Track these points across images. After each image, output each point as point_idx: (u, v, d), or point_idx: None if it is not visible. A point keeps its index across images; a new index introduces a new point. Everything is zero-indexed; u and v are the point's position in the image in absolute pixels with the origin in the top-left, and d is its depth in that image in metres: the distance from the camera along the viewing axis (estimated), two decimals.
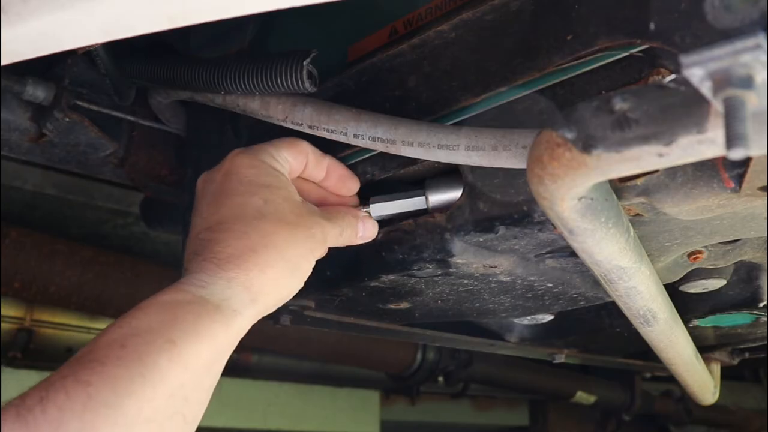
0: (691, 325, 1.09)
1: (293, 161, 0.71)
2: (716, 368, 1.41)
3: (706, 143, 0.42)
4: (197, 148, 0.98)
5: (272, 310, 0.66)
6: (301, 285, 0.68)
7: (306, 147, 0.73)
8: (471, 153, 0.64)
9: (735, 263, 0.92)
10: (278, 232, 0.65)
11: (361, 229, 0.75)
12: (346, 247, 0.75)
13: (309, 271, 0.68)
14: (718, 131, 0.41)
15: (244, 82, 0.74)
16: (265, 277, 0.64)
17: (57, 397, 0.49)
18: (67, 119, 0.92)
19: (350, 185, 0.77)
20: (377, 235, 0.78)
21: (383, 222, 0.79)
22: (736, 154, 0.36)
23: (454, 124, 0.70)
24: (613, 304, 0.80)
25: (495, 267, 0.77)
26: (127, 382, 0.52)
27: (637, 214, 0.66)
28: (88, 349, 0.54)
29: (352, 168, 0.81)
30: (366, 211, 0.77)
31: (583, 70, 0.62)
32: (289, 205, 0.67)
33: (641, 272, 0.68)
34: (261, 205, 0.65)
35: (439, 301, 0.90)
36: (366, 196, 0.78)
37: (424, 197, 0.75)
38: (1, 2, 0.50)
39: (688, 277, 0.93)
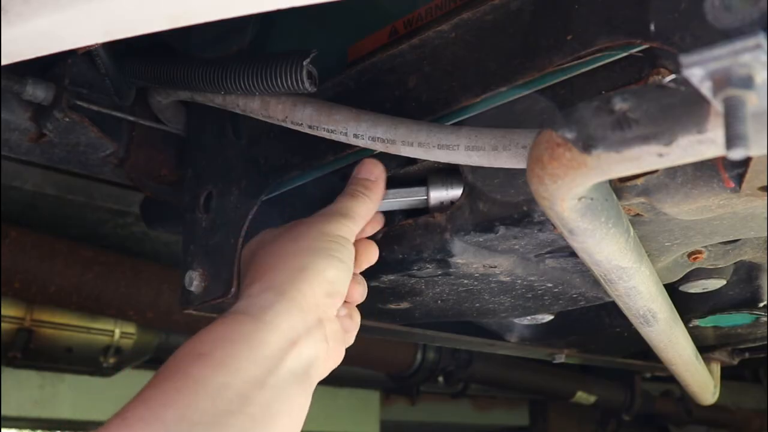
0: (691, 325, 1.09)
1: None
2: (716, 368, 1.41)
3: (706, 143, 0.42)
4: (197, 148, 0.98)
5: (304, 299, 0.65)
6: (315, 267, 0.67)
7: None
8: (471, 153, 0.64)
9: (735, 263, 0.92)
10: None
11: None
12: None
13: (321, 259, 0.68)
14: (718, 131, 0.41)
15: (244, 82, 0.74)
16: (277, 272, 0.66)
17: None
18: (67, 119, 0.92)
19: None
20: (377, 235, 0.78)
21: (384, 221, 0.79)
22: (736, 154, 0.36)
23: (454, 124, 0.70)
24: (613, 304, 0.80)
25: (495, 267, 0.77)
26: (161, 396, 0.54)
27: (637, 214, 0.66)
28: None
29: (352, 168, 0.81)
30: None
31: (583, 70, 0.62)
32: None
33: (641, 272, 0.68)
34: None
35: (439, 301, 0.90)
36: None
37: (424, 190, 0.75)
38: (2, 2, 0.50)
39: (688, 277, 0.93)
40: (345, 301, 0.72)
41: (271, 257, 0.69)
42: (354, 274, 0.72)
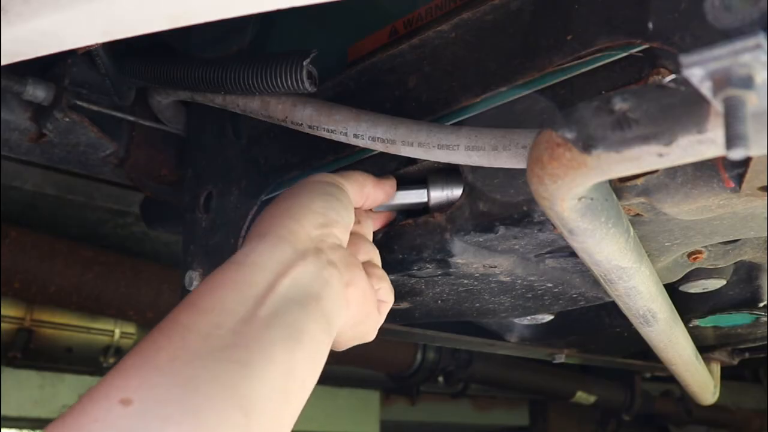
0: (691, 325, 1.09)
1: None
2: (716, 368, 1.41)
3: (706, 143, 0.42)
4: (197, 148, 0.98)
5: (291, 234, 0.62)
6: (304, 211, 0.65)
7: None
8: (471, 153, 0.64)
9: (735, 263, 0.92)
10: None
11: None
12: None
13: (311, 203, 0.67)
14: (718, 131, 0.41)
15: (244, 82, 0.74)
16: (266, 221, 0.65)
17: None
18: (67, 119, 0.92)
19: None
20: (377, 235, 0.78)
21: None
22: (736, 154, 0.36)
23: (454, 124, 0.70)
24: (613, 304, 0.80)
25: (495, 267, 0.77)
26: (152, 344, 0.53)
27: (637, 214, 0.66)
28: None
29: (352, 169, 0.81)
30: None
31: (583, 70, 0.62)
32: None
33: (641, 272, 0.68)
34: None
35: (439, 301, 0.90)
36: None
37: (425, 190, 0.75)
38: (2, 2, 0.50)
39: (688, 277, 0.93)
40: (365, 261, 0.70)
41: (259, 218, 0.67)
42: (364, 211, 0.72)
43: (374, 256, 0.72)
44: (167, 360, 0.51)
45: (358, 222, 0.72)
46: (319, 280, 0.61)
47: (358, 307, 0.66)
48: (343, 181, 0.70)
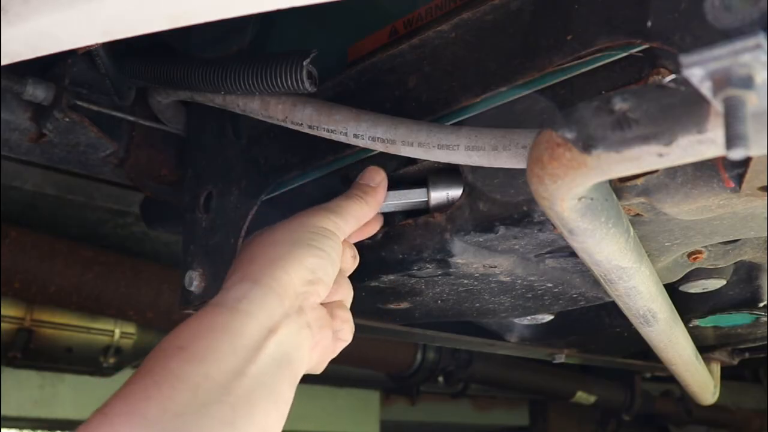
0: (691, 325, 1.09)
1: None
2: (716, 368, 1.41)
3: (706, 143, 0.42)
4: (197, 148, 0.98)
5: (280, 287, 0.64)
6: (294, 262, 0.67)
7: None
8: (471, 153, 0.64)
9: (735, 263, 0.92)
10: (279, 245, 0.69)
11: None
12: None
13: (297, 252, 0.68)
14: (718, 131, 0.41)
15: (244, 82, 0.74)
16: (253, 263, 0.66)
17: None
18: (67, 119, 0.92)
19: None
20: (377, 235, 0.78)
21: (383, 222, 0.79)
22: (736, 154, 0.36)
23: (454, 124, 0.70)
24: (613, 304, 0.80)
25: (495, 267, 0.77)
26: (141, 391, 0.54)
27: (637, 214, 0.66)
28: None
29: (352, 168, 0.81)
30: None
31: (583, 70, 0.62)
32: None
33: (641, 272, 0.68)
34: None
35: (439, 301, 0.90)
36: None
37: (425, 191, 0.75)
38: (1, 2, 0.50)
39: (688, 277, 0.93)
40: (334, 301, 0.72)
41: (250, 250, 0.69)
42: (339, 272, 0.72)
43: (347, 296, 0.74)
44: (156, 412, 0.52)
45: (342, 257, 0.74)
46: (296, 343, 0.64)
47: (315, 361, 0.70)
48: (341, 223, 0.71)
